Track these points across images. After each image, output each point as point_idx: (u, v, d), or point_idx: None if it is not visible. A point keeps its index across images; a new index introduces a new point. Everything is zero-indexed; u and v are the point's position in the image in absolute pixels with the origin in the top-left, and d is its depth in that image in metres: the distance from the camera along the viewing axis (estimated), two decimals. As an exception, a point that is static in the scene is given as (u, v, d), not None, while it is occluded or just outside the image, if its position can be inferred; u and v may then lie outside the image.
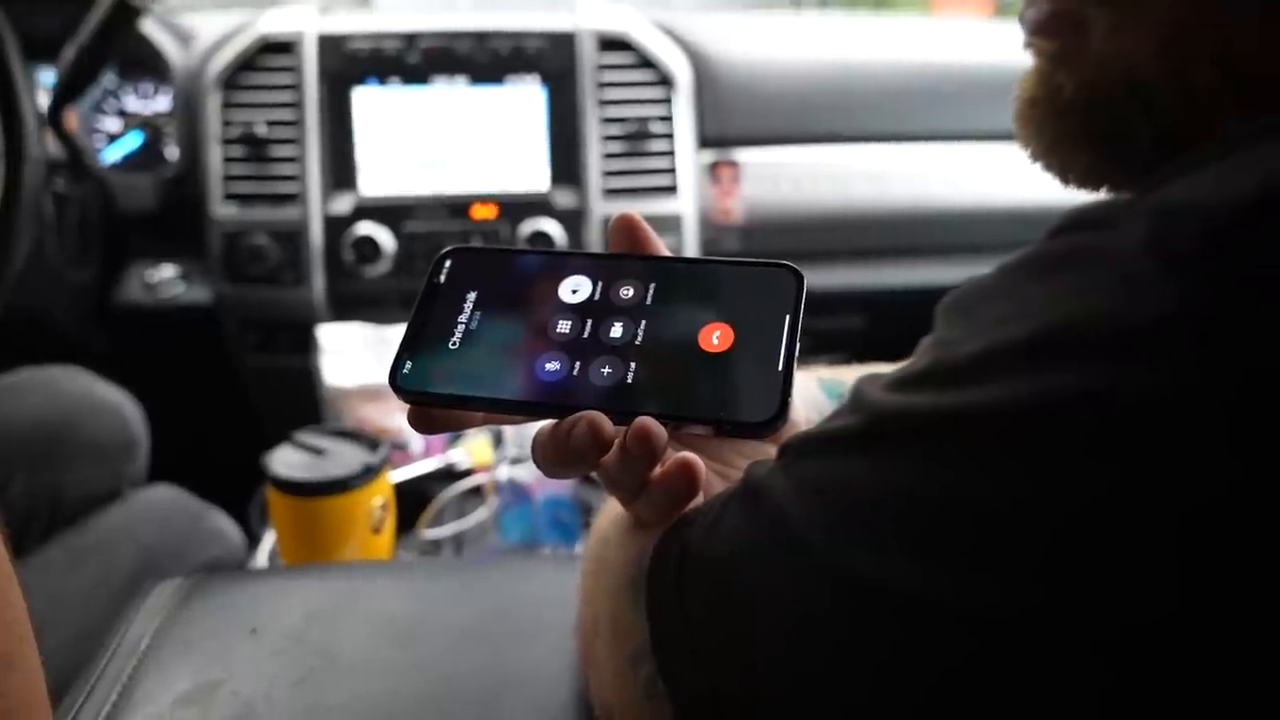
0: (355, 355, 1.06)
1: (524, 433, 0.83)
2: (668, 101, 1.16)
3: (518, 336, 0.39)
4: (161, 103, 1.22)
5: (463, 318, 0.40)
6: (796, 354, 0.36)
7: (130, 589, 0.73)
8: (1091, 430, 0.22)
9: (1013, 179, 1.21)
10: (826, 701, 0.28)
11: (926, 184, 1.23)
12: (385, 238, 1.11)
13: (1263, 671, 0.21)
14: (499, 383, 0.38)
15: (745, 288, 0.39)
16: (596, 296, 0.39)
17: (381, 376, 1.07)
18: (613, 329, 0.38)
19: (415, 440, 1.10)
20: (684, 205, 1.15)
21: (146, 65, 1.17)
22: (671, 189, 1.15)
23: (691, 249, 1.16)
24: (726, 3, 1.81)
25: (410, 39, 1.12)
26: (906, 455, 0.26)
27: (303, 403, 1.10)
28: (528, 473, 0.88)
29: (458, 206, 1.12)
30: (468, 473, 1.04)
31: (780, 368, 0.36)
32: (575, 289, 0.40)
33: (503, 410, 0.38)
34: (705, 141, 1.20)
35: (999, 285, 0.26)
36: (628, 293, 0.39)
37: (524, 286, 0.40)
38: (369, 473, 0.81)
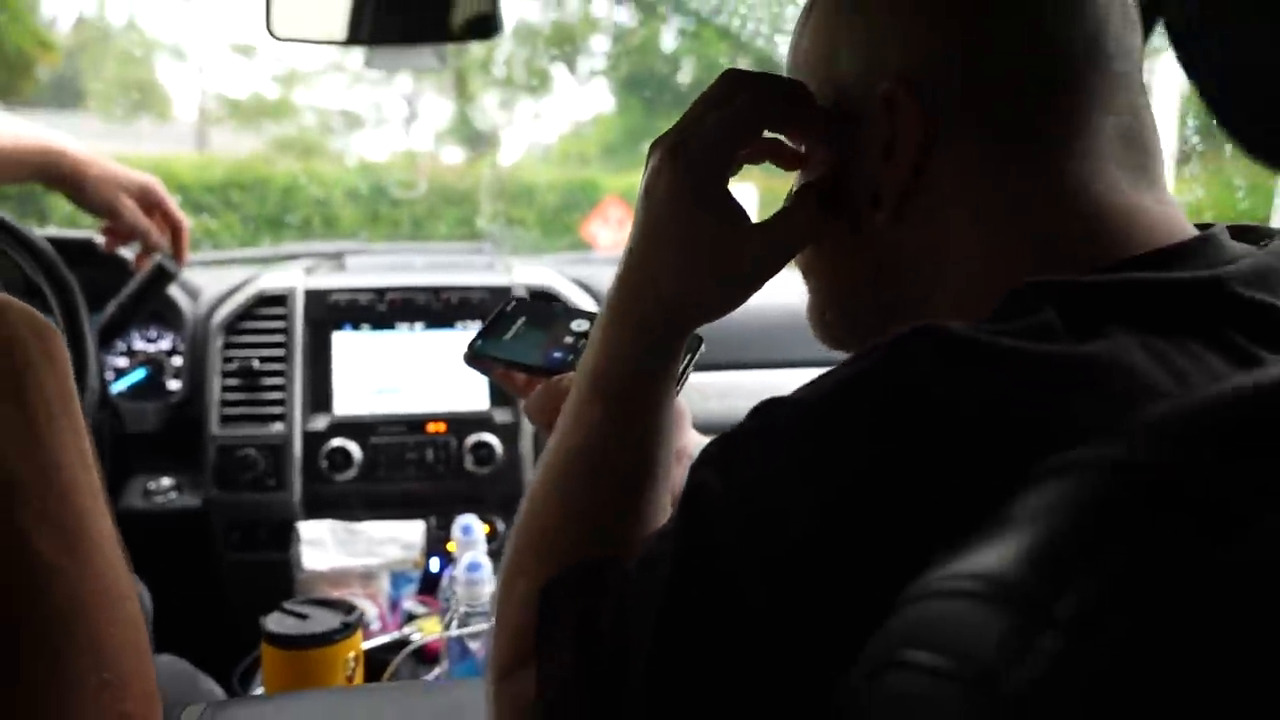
0: (328, 546, 1.28)
1: (471, 593, 1.05)
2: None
3: (543, 341, 0.69)
4: (164, 343, 1.48)
5: (515, 326, 0.70)
6: (688, 372, 0.64)
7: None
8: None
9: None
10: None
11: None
12: (354, 449, 1.36)
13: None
14: (528, 356, 0.68)
15: None
16: (589, 328, 0.67)
17: (349, 562, 1.28)
18: None
19: (374, 620, 1.30)
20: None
21: (157, 313, 1.44)
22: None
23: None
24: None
25: (380, 293, 1.41)
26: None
27: (277, 588, 1.30)
28: (473, 633, 1.08)
29: (415, 423, 1.38)
30: (419, 649, 1.23)
31: (679, 374, 0.61)
32: (580, 325, 0.69)
33: (523, 370, 0.69)
34: (616, 369, 1.49)
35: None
36: None
37: (553, 319, 0.71)
38: (346, 629, 1.02)
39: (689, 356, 0.66)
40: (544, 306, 0.74)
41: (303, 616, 1.05)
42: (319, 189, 5.66)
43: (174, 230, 1.24)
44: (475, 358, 0.70)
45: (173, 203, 1.23)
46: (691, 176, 0.53)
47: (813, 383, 0.45)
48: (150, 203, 1.21)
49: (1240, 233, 0.50)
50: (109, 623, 0.51)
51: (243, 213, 5.35)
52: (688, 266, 0.54)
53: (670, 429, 0.58)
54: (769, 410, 0.46)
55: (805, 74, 0.55)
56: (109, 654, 0.50)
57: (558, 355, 0.68)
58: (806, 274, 0.60)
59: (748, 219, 0.54)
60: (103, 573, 0.52)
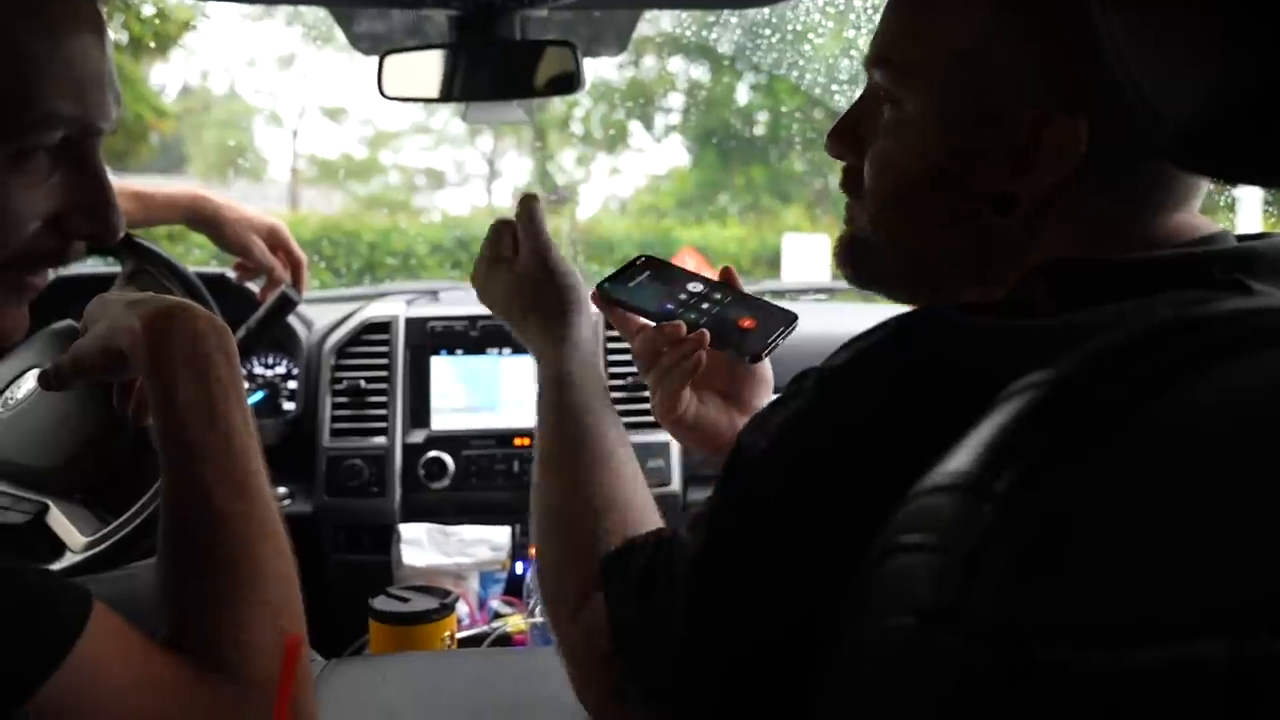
0: (425, 545, 1.42)
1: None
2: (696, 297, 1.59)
3: (661, 293, 0.80)
4: (280, 368, 1.65)
5: (640, 278, 0.81)
6: (777, 345, 0.75)
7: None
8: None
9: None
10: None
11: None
12: (449, 460, 1.50)
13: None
14: (644, 302, 0.79)
15: (770, 312, 0.79)
16: (703, 290, 0.80)
17: (443, 561, 1.41)
18: (704, 304, 0.78)
19: (465, 616, 1.43)
20: (669, 435, 1.54)
21: (278, 342, 1.62)
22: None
23: (676, 470, 1.54)
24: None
25: (472, 320, 1.57)
26: None
27: (376, 586, 1.43)
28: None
29: (503, 438, 1.52)
30: (506, 635, 1.36)
31: (769, 341, 0.75)
32: (695, 286, 0.80)
33: (640, 313, 0.79)
34: (685, 392, 1.62)
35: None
36: (718, 295, 0.80)
37: (673, 277, 0.81)
38: (443, 609, 1.15)
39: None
40: (667, 267, 0.84)
41: (405, 600, 1.18)
42: (403, 243, 5.94)
43: (295, 266, 1.40)
44: (601, 297, 0.81)
45: (294, 243, 1.40)
46: None
47: (835, 353, 0.57)
48: (275, 242, 1.38)
49: (1250, 238, 0.60)
50: (269, 556, 0.64)
51: (333, 266, 5.65)
52: None
53: (579, 409, 0.74)
54: (800, 377, 0.58)
55: (924, 46, 0.59)
56: (269, 581, 0.63)
57: (670, 307, 0.78)
58: (878, 198, 0.64)
59: None
60: (264, 519, 0.66)
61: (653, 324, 0.77)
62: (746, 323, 0.77)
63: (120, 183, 1.33)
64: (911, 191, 0.62)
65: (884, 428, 0.52)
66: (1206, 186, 0.60)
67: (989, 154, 0.58)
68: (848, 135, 0.66)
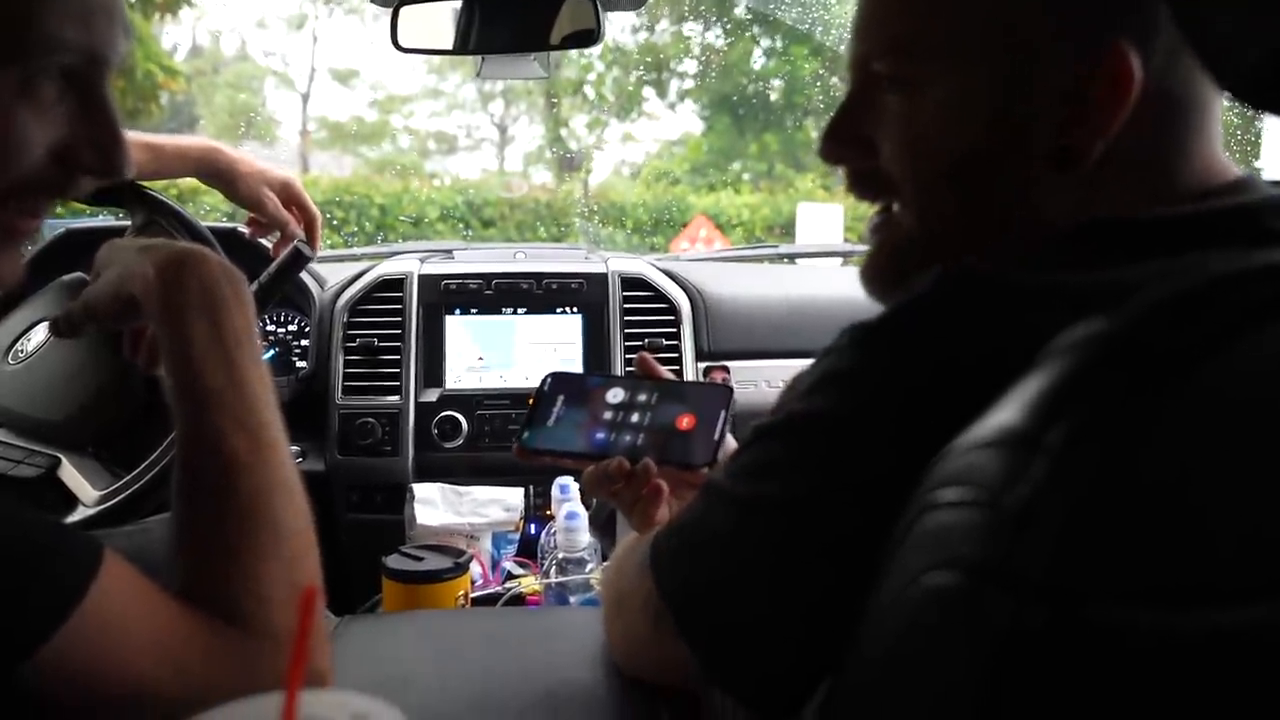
0: (438, 505, 1.41)
1: (569, 540, 1.17)
2: (675, 325, 1.57)
3: (584, 420, 0.75)
4: (292, 326, 1.63)
5: (556, 409, 0.76)
6: (726, 429, 0.72)
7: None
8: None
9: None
10: (752, 564, 0.57)
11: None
12: (462, 420, 1.48)
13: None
14: (573, 443, 0.74)
15: (703, 395, 0.76)
16: (626, 399, 0.76)
17: (456, 520, 1.40)
18: (633, 416, 0.74)
19: (478, 577, 1.42)
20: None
21: (291, 299, 1.60)
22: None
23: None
24: (719, 255, 2.26)
25: (487, 279, 1.54)
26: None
27: (389, 546, 1.42)
28: (571, 581, 1.19)
29: (517, 397, 1.50)
30: (519, 596, 1.35)
31: (716, 437, 0.72)
32: (615, 395, 0.76)
33: (572, 458, 0.74)
34: (702, 355, 1.59)
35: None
36: (642, 398, 0.76)
37: (589, 392, 0.77)
38: (457, 568, 1.14)
39: None
40: (577, 380, 0.79)
41: (418, 558, 1.17)
42: (414, 207, 5.91)
43: (309, 222, 1.38)
44: (525, 451, 0.75)
45: (308, 197, 1.37)
46: None
47: (883, 310, 0.56)
48: (289, 197, 1.36)
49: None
50: (284, 509, 0.63)
51: (344, 231, 5.63)
52: None
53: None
54: (844, 331, 0.57)
55: (942, 24, 0.57)
56: (285, 534, 0.62)
57: (600, 436, 0.74)
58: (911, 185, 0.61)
59: None
60: (279, 470, 0.64)
61: (589, 462, 0.73)
62: (685, 422, 0.72)
63: (132, 134, 1.31)
64: (967, 168, 0.59)
65: (918, 385, 0.51)
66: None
67: (1041, 108, 0.56)
68: (849, 136, 0.63)
